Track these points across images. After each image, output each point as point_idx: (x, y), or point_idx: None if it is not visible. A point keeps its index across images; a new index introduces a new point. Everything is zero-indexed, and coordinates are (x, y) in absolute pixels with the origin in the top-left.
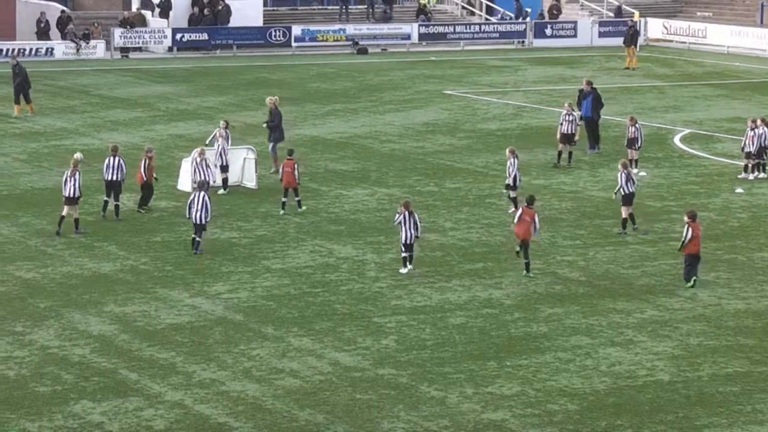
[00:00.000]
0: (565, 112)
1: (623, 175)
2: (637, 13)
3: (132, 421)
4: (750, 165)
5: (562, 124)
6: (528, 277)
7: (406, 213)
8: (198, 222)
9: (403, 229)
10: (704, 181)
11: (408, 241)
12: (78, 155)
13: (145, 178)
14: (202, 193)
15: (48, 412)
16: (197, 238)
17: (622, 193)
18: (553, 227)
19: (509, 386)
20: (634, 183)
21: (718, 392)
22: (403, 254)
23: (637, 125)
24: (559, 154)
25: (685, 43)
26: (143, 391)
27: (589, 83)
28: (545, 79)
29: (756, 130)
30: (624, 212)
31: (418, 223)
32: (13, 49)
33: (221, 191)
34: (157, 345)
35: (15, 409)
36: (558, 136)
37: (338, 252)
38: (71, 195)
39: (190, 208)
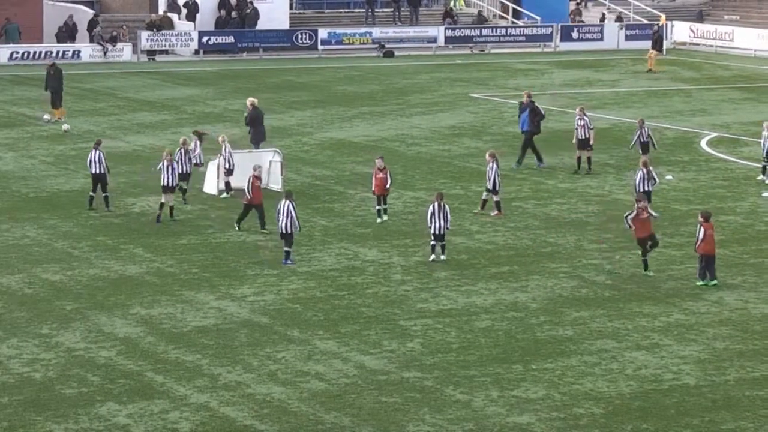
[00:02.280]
0: (577, 117)
1: (640, 172)
2: (663, 17)
3: (158, 424)
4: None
5: (576, 129)
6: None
7: (436, 204)
8: (284, 231)
9: (434, 219)
10: (731, 184)
11: (438, 232)
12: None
13: (249, 197)
14: (287, 202)
15: (74, 414)
16: (286, 249)
17: (641, 191)
18: (579, 230)
19: (535, 389)
20: (654, 182)
21: (744, 396)
22: (432, 243)
23: (645, 128)
24: (578, 159)
25: (712, 46)
26: (169, 394)
27: (529, 95)
28: (572, 82)
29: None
30: None
31: (449, 215)
32: (49, 53)
33: (224, 194)
34: (182, 347)
35: (41, 411)
36: (575, 141)
37: (364, 255)
38: (168, 184)
39: (278, 217)
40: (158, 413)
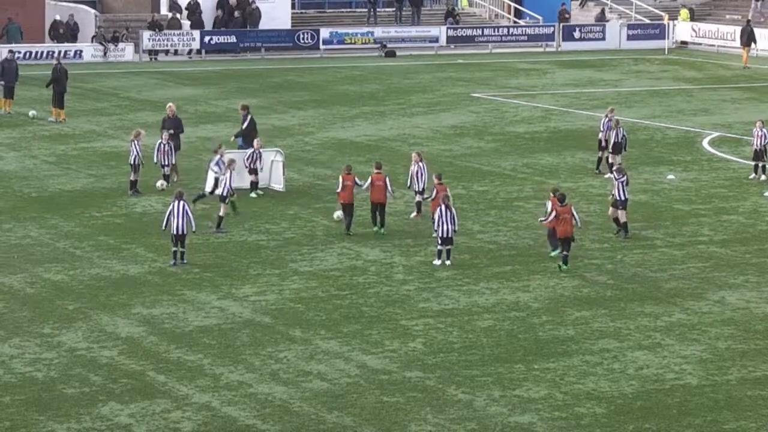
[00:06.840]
0: (606, 119)
1: (624, 180)
2: (666, 16)
3: (160, 423)
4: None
5: (603, 131)
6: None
7: (443, 207)
8: (178, 232)
9: (441, 222)
10: (733, 184)
11: (445, 235)
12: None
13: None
14: (181, 202)
15: (76, 414)
16: (176, 250)
17: (621, 198)
18: (581, 230)
19: (537, 389)
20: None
21: (746, 396)
22: (439, 247)
23: (620, 128)
24: (599, 160)
25: (713, 45)
26: (171, 393)
27: (245, 107)
28: (573, 82)
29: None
30: (622, 216)
31: (455, 218)
32: (57, 52)
33: (253, 194)
34: (184, 347)
35: (43, 411)
36: (604, 143)
37: (366, 255)
38: (223, 194)
39: (168, 218)
40: (160, 413)
